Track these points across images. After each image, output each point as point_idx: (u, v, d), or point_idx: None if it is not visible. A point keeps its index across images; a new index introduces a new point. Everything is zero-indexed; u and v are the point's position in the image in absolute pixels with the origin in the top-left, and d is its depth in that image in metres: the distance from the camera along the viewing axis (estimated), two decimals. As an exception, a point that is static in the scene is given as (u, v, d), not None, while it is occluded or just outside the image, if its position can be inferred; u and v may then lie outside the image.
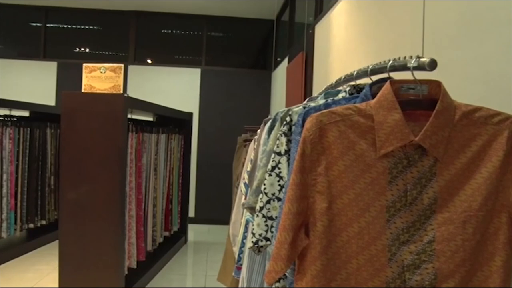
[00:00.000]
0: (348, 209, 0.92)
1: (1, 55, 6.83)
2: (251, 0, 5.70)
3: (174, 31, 7.04)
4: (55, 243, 4.37)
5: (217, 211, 6.04)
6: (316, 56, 3.69)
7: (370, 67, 1.23)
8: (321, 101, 1.19)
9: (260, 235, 1.14)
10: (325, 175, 0.93)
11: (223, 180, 5.82)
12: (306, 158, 0.94)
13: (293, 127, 1.15)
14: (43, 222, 4.83)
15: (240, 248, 1.83)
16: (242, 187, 1.99)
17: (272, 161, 1.15)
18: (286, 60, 5.15)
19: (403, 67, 1.05)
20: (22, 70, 6.24)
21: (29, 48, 6.70)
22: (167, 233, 4.59)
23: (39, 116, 4.96)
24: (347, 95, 1.22)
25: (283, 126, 1.16)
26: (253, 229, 1.16)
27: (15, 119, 4.49)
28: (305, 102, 1.51)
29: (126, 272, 3.27)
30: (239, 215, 2.09)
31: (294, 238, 0.93)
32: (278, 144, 1.15)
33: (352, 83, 1.35)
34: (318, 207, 0.92)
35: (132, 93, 3.20)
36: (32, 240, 4.68)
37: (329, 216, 0.92)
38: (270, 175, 1.14)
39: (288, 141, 1.14)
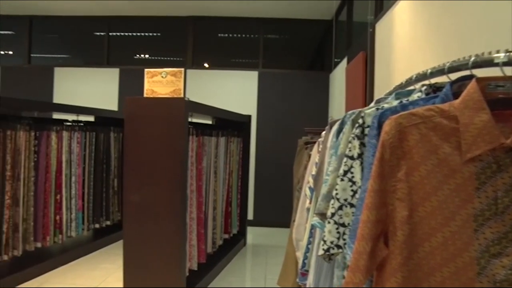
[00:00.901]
0: (431, 218, 0.85)
1: (69, 63, 7.22)
2: (307, 0, 5.64)
3: (230, 35, 7.11)
4: (119, 243, 4.52)
5: (275, 213, 6.03)
6: (377, 56, 3.57)
7: (448, 64, 1.14)
8: (394, 102, 1.12)
9: (331, 242, 1.09)
10: (405, 181, 0.87)
11: (282, 182, 5.80)
12: (385, 163, 0.88)
13: (366, 130, 1.09)
14: (108, 222, 5.02)
15: (305, 253, 1.79)
16: (306, 190, 1.94)
17: (344, 165, 1.09)
18: (344, 60, 5.04)
19: (489, 63, 0.95)
20: (88, 77, 6.55)
21: (93, 56, 7.01)
22: (226, 236, 4.62)
23: (103, 120, 5.17)
24: (423, 95, 1.14)
25: (356, 129, 1.10)
26: (324, 236, 1.11)
27: (81, 124, 4.69)
28: (373, 103, 1.44)
29: (187, 274, 3.31)
30: (303, 219, 2.04)
31: (373, 248, 0.87)
32: (350, 148, 1.10)
33: (426, 82, 1.27)
34: (399, 215, 0.86)
35: (190, 97, 3.23)
36: (98, 239, 4.88)
37: (410, 224, 0.86)
38: (342, 180, 1.09)
39: (361, 145, 1.08)
